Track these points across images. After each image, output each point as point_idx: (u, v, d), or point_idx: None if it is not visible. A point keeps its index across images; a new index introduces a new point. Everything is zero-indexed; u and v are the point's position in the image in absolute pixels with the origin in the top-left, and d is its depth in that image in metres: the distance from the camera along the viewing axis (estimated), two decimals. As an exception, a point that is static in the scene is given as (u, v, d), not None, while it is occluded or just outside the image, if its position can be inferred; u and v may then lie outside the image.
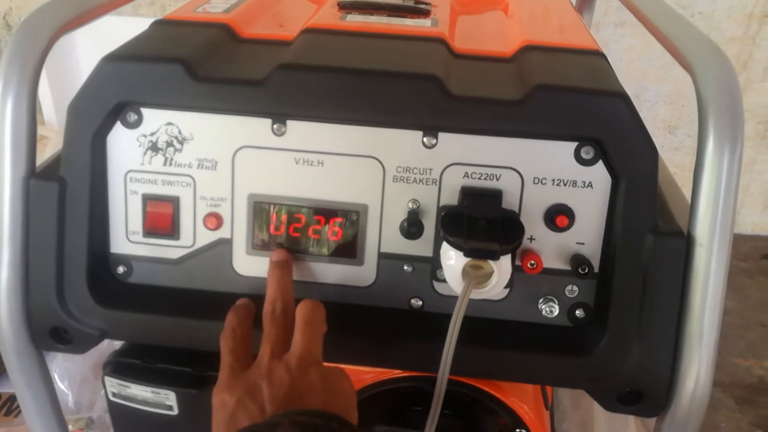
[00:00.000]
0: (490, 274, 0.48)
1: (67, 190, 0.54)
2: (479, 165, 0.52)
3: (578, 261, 0.52)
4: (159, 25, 0.60)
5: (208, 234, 0.56)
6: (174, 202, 0.55)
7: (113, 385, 0.65)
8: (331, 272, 0.56)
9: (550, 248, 0.53)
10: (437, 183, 0.53)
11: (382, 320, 0.55)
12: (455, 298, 0.49)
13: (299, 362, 0.48)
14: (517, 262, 0.53)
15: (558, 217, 0.52)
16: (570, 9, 0.76)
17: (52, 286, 0.55)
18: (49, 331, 0.56)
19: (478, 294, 0.49)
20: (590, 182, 0.51)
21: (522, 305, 0.54)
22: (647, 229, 0.50)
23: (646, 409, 0.52)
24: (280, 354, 0.49)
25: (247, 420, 0.46)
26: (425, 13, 0.66)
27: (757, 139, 1.91)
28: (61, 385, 1.13)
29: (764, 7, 1.76)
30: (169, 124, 0.54)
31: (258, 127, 0.53)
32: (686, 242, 0.49)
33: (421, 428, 0.51)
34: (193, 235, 0.56)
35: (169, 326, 0.56)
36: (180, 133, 0.54)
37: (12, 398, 1.21)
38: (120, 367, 0.65)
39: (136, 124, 0.54)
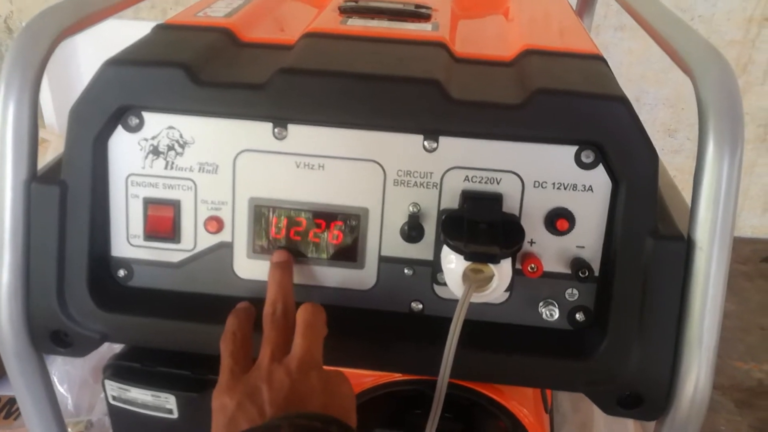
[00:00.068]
0: (490, 278, 0.48)
1: (69, 193, 0.54)
2: (480, 169, 0.52)
3: (578, 264, 0.52)
4: (160, 29, 0.61)
5: (208, 237, 0.56)
6: (175, 205, 0.56)
7: (113, 388, 0.65)
8: (332, 276, 0.56)
9: (550, 252, 0.53)
10: (438, 186, 0.53)
11: (383, 323, 0.56)
12: (455, 301, 0.49)
13: (299, 365, 0.48)
14: (518, 266, 0.53)
15: (558, 220, 0.52)
16: (570, 12, 0.77)
17: (52, 289, 0.55)
18: (49, 334, 0.56)
19: (478, 297, 0.49)
20: (590, 186, 0.51)
21: (522, 308, 0.54)
22: (647, 232, 0.50)
23: (646, 412, 0.52)
24: (280, 357, 0.49)
25: (246, 423, 0.46)
26: (426, 18, 0.66)
27: (757, 142, 1.91)
28: (60, 389, 1.13)
29: (764, 10, 1.76)
30: (171, 128, 0.54)
31: (259, 131, 0.53)
32: (686, 246, 0.49)
33: (421, 431, 0.51)
34: (194, 239, 0.56)
35: (169, 329, 0.56)
36: (181, 136, 0.54)
37: (11, 401, 1.21)
38: (120, 370, 0.65)
39: (137, 128, 0.54)
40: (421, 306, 0.56)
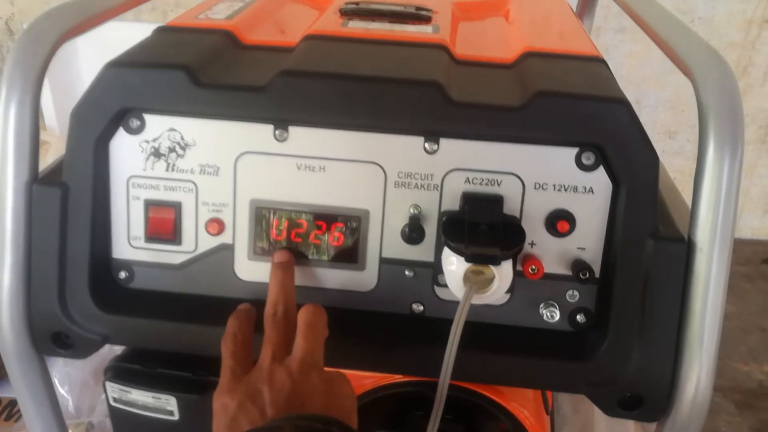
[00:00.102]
0: (491, 280, 0.49)
1: (70, 195, 0.54)
2: (480, 170, 0.52)
3: (579, 266, 0.52)
4: (162, 31, 0.61)
5: (209, 239, 0.56)
6: (176, 207, 0.56)
7: (114, 390, 0.65)
8: (333, 277, 0.56)
9: (551, 253, 0.53)
10: (438, 188, 0.53)
11: (384, 325, 0.56)
12: (456, 303, 0.50)
13: (300, 366, 0.48)
14: (518, 267, 0.53)
15: (559, 222, 0.52)
16: (570, 15, 0.77)
17: (54, 291, 0.55)
18: (50, 336, 0.56)
19: (479, 299, 0.49)
20: (591, 188, 0.51)
21: (523, 310, 0.55)
22: (648, 234, 0.50)
23: (647, 413, 0.52)
24: (281, 357, 0.49)
25: (248, 424, 0.46)
26: (426, 20, 0.66)
27: (758, 144, 1.91)
28: (61, 390, 1.13)
29: (764, 12, 1.77)
30: (172, 129, 0.54)
31: (260, 133, 0.53)
32: (687, 247, 0.49)
33: (422, 433, 0.51)
34: (195, 241, 0.56)
35: (170, 331, 0.56)
36: (182, 138, 0.54)
37: (12, 403, 1.21)
38: (121, 372, 0.65)
39: (138, 130, 0.54)
40: (421, 307, 0.56)
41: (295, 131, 0.53)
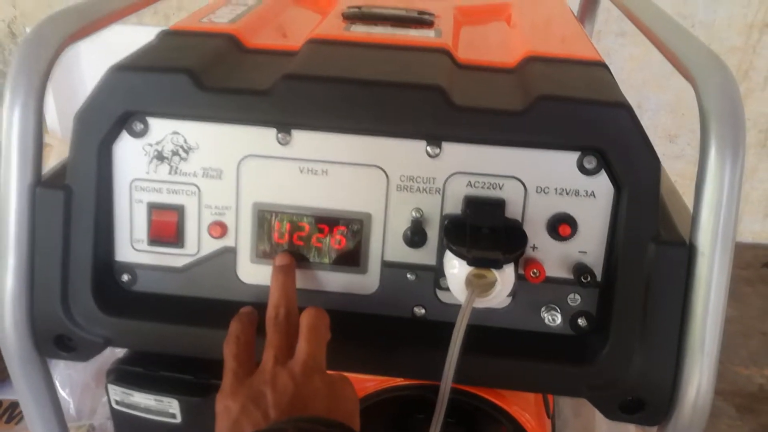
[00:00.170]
0: (493, 283, 0.49)
1: (73, 198, 0.54)
2: (482, 174, 0.52)
3: (581, 270, 0.52)
4: (165, 35, 0.61)
5: (212, 242, 0.56)
6: (179, 210, 0.56)
7: (116, 392, 0.66)
8: (335, 280, 0.56)
9: (552, 257, 0.53)
10: (440, 192, 0.53)
11: (386, 328, 0.56)
12: (458, 306, 0.50)
13: (303, 369, 0.48)
14: (520, 271, 0.53)
15: (561, 226, 0.52)
16: (572, 19, 0.77)
17: (56, 293, 0.55)
18: (53, 339, 0.56)
19: (481, 303, 0.49)
20: (593, 192, 0.52)
21: (524, 314, 0.55)
22: (649, 238, 0.50)
23: (648, 417, 0.52)
24: (283, 360, 0.49)
25: (250, 426, 0.46)
26: (429, 24, 0.66)
27: (758, 148, 1.92)
28: (62, 393, 1.13)
29: (765, 16, 1.77)
30: (175, 133, 0.54)
31: (263, 137, 0.53)
32: (688, 251, 0.49)
33: (424, 436, 0.51)
34: (198, 244, 0.56)
35: (173, 334, 0.56)
36: (185, 142, 0.54)
37: (13, 405, 1.21)
38: (123, 375, 0.66)
39: (142, 134, 0.54)
40: (423, 311, 0.56)
41: (298, 135, 0.53)
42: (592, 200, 0.52)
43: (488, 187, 0.53)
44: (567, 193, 0.52)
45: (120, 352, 0.69)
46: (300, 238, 0.56)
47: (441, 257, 0.54)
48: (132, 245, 0.57)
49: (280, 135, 0.53)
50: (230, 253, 0.56)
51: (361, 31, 0.64)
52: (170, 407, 0.64)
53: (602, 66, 0.59)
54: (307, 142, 0.53)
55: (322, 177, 0.54)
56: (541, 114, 0.50)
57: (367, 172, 0.54)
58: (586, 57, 0.60)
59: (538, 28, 0.71)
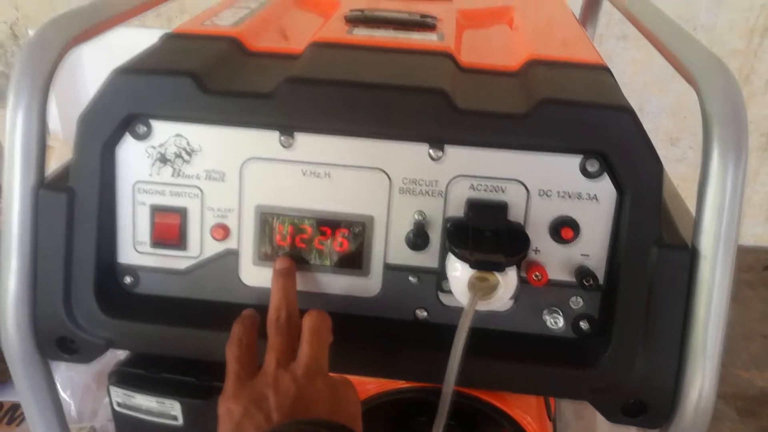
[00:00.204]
0: (495, 286, 0.49)
1: (76, 200, 0.54)
2: (485, 177, 0.52)
3: (583, 273, 0.52)
4: (168, 38, 0.61)
5: (215, 245, 0.56)
6: (182, 212, 0.56)
7: (118, 394, 0.66)
8: (337, 283, 0.57)
9: (555, 260, 0.53)
10: (443, 195, 0.53)
11: (388, 331, 0.56)
12: (460, 309, 0.50)
13: (305, 371, 0.48)
14: (522, 274, 0.53)
15: (563, 229, 0.52)
16: (574, 22, 0.77)
17: (59, 295, 0.55)
18: (55, 341, 0.56)
19: (483, 305, 0.49)
20: (595, 195, 0.52)
21: (527, 317, 0.55)
22: (652, 241, 0.50)
23: (650, 420, 0.52)
24: (285, 363, 0.49)
25: (253, 429, 0.46)
26: (431, 27, 0.66)
27: (760, 151, 1.92)
28: (63, 395, 1.13)
29: (766, 20, 1.77)
30: (178, 135, 0.54)
31: (266, 140, 0.53)
32: (690, 255, 0.49)
33: (426, 439, 0.51)
34: (201, 246, 0.56)
35: (175, 336, 0.56)
36: (188, 144, 0.54)
37: (14, 407, 1.21)
38: (125, 377, 0.66)
39: (145, 136, 0.54)
40: (426, 314, 0.56)
41: (300, 138, 0.53)
42: (594, 203, 0.52)
43: (491, 190, 0.53)
44: (569, 197, 0.52)
45: (121, 354, 0.69)
46: (302, 241, 0.56)
47: (443, 260, 0.54)
48: (135, 247, 0.57)
49: (282, 138, 0.53)
50: (233, 255, 0.56)
51: (363, 35, 0.64)
52: (172, 409, 0.64)
53: (605, 69, 0.59)
54: (310, 144, 0.53)
55: (324, 180, 0.54)
56: (544, 117, 0.50)
57: (369, 175, 0.54)
58: (588, 60, 0.60)
59: (541, 31, 0.71)
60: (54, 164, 0.59)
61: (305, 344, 0.50)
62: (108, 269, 0.57)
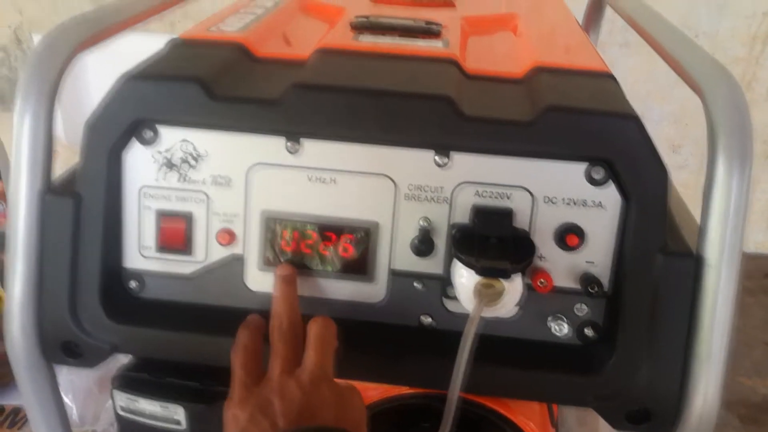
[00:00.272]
0: (501, 293, 0.49)
1: (82, 205, 0.54)
2: (490, 184, 0.53)
3: (588, 280, 0.52)
4: (175, 44, 0.61)
5: (220, 250, 0.56)
6: (187, 217, 0.56)
7: (122, 399, 0.65)
8: (342, 289, 0.57)
9: (560, 267, 0.53)
10: (448, 201, 0.53)
11: (393, 337, 0.56)
12: (465, 315, 0.50)
13: (311, 378, 0.48)
14: (527, 281, 0.53)
15: (568, 236, 0.52)
16: (578, 29, 0.77)
17: (64, 300, 0.55)
18: (60, 345, 0.57)
19: (489, 312, 0.50)
20: (600, 202, 0.52)
21: (531, 323, 0.55)
22: (657, 249, 0.50)
23: (655, 427, 0.52)
24: (290, 369, 0.49)
25: (258, 435, 0.46)
26: (436, 34, 0.67)
27: (761, 158, 1.92)
28: (65, 399, 1.12)
29: None
30: (185, 141, 0.54)
31: (272, 145, 0.54)
32: (695, 263, 0.49)
33: (430, 445, 0.52)
34: (206, 251, 0.57)
35: (180, 341, 0.56)
36: (195, 150, 0.55)
37: (16, 410, 1.21)
38: (129, 381, 0.65)
39: (152, 141, 0.55)
40: (430, 320, 0.56)
41: (307, 144, 0.53)
42: (599, 211, 0.52)
43: (496, 197, 0.53)
44: (575, 204, 0.52)
45: (124, 359, 0.69)
46: (307, 246, 0.56)
47: (448, 266, 0.54)
48: (140, 252, 0.57)
49: (289, 144, 0.54)
50: (238, 260, 0.57)
51: (369, 41, 0.64)
52: (176, 414, 0.64)
53: (610, 77, 0.59)
54: (316, 150, 0.54)
55: (330, 186, 0.54)
56: (550, 124, 0.50)
57: (375, 181, 0.54)
58: (593, 68, 0.61)
59: (545, 38, 0.71)
60: (58, 169, 0.59)
61: (310, 350, 0.50)
62: (113, 274, 0.57)
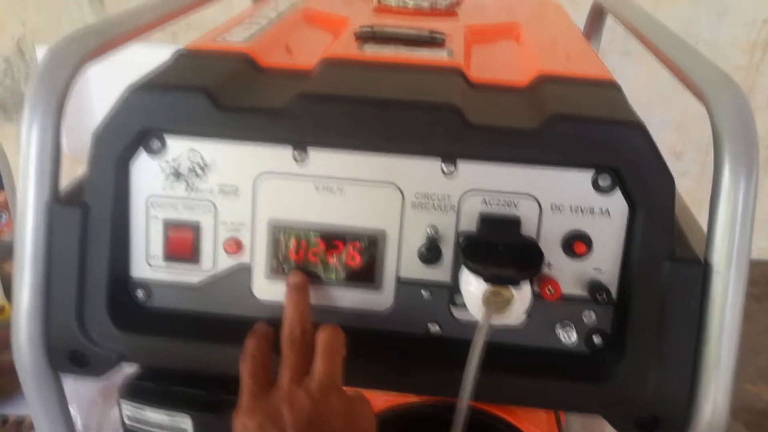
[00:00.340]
0: (509, 301, 0.49)
1: (90, 215, 0.54)
2: (497, 192, 0.53)
3: (596, 287, 0.52)
4: (181, 54, 0.62)
5: (227, 259, 0.57)
6: (195, 227, 0.56)
7: (128, 408, 0.65)
8: (349, 297, 0.57)
9: (567, 275, 0.53)
10: (455, 209, 0.54)
11: (400, 345, 0.56)
12: (473, 323, 0.50)
13: (320, 387, 0.48)
14: (535, 288, 0.53)
15: (576, 243, 0.52)
16: (581, 38, 0.78)
17: (71, 309, 0.55)
18: (67, 354, 0.57)
19: (498, 320, 0.50)
20: (607, 210, 0.52)
21: (539, 331, 0.55)
22: (664, 256, 0.50)
23: (664, 435, 0.52)
24: (299, 379, 0.49)
25: (268, 445, 0.46)
26: (440, 44, 0.67)
27: (764, 165, 1.92)
28: (69, 408, 1.12)
29: (768, 35, 1.78)
30: (192, 150, 0.55)
31: (279, 155, 0.54)
32: (703, 270, 0.49)
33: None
34: (213, 260, 0.57)
35: (188, 350, 0.56)
36: (202, 159, 0.55)
37: (20, 420, 1.21)
38: (136, 390, 0.65)
39: (159, 151, 0.55)
40: (438, 328, 0.56)
41: (314, 153, 0.54)
42: (606, 218, 0.52)
43: (503, 205, 0.53)
44: (582, 211, 0.52)
45: (129, 368, 0.69)
46: (315, 255, 0.56)
47: (456, 274, 0.54)
48: (147, 261, 0.57)
49: (296, 153, 0.54)
50: (245, 269, 0.57)
51: (374, 51, 0.65)
52: (182, 423, 0.64)
53: (614, 85, 0.59)
54: (322, 160, 0.54)
55: (337, 194, 0.54)
56: (556, 133, 0.50)
57: (382, 190, 0.54)
58: (597, 76, 0.61)
59: (549, 47, 0.72)
60: (61, 177, 0.59)
61: (319, 359, 0.50)
62: (121, 283, 0.57)
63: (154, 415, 0.65)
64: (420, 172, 0.53)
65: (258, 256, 0.56)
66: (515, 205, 0.53)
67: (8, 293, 1.13)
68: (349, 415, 0.47)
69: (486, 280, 0.48)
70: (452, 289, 0.55)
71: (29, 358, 0.56)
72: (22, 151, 0.54)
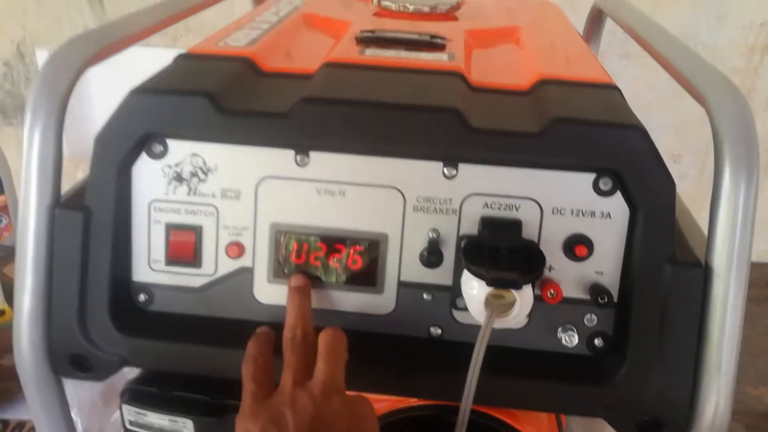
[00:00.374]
0: (511, 304, 0.49)
1: (92, 219, 0.55)
2: (499, 195, 0.53)
3: (597, 290, 0.53)
4: (183, 58, 0.62)
5: (229, 262, 0.57)
6: (197, 231, 0.56)
7: (130, 413, 0.65)
8: (351, 300, 0.57)
9: (569, 278, 0.53)
10: (457, 213, 0.54)
11: (402, 348, 0.56)
12: (474, 326, 0.50)
13: (322, 390, 0.48)
14: (537, 292, 0.53)
15: (577, 246, 0.52)
16: (581, 41, 0.78)
17: (73, 313, 0.55)
18: (69, 358, 0.57)
19: (500, 323, 0.50)
20: (608, 213, 0.52)
21: (541, 334, 0.55)
22: (665, 259, 0.50)
23: (666, 437, 0.52)
24: (302, 381, 0.49)
25: (271, 448, 0.46)
26: (441, 48, 0.67)
27: (763, 167, 1.92)
28: (70, 412, 1.12)
29: (766, 38, 1.79)
30: (194, 155, 0.55)
31: (281, 158, 0.54)
32: (704, 272, 0.49)
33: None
34: (215, 264, 0.57)
35: (190, 354, 0.56)
36: (204, 163, 0.55)
37: (20, 424, 1.21)
38: (137, 394, 0.65)
39: (161, 155, 0.55)
40: (439, 331, 0.56)
41: (315, 156, 0.54)
42: (607, 221, 0.52)
43: (504, 208, 0.53)
44: (583, 214, 0.52)
45: (129, 373, 0.69)
46: (317, 258, 0.56)
47: (457, 277, 0.54)
48: (149, 265, 0.57)
49: (298, 157, 0.54)
50: (247, 273, 0.57)
51: (375, 55, 0.65)
52: (185, 427, 0.64)
53: (614, 88, 0.59)
54: (324, 163, 0.54)
55: (339, 198, 0.55)
56: (557, 136, 0.51)
57: (384, 193, 0.54)
58: (598, 79, 0.61)
59: (549, 50, 0.72)
60: (63, 181, 0.59)
61: (322, 362, 0.50)
62: (122, 287, 0.57)
63: (156, 419, 0.65)
64: (421, 176, 0.53)
65: (260, 260, 0.56)
66: (516, 208, 0.53)
67: (8, 297, 1.13)
68: (351, 417, 0.47)
69: (488, 283, 0.49)
70: (454, 292, 0.55)
71: (31, 362, 0.56)
72: (23, 156, 0.54)
